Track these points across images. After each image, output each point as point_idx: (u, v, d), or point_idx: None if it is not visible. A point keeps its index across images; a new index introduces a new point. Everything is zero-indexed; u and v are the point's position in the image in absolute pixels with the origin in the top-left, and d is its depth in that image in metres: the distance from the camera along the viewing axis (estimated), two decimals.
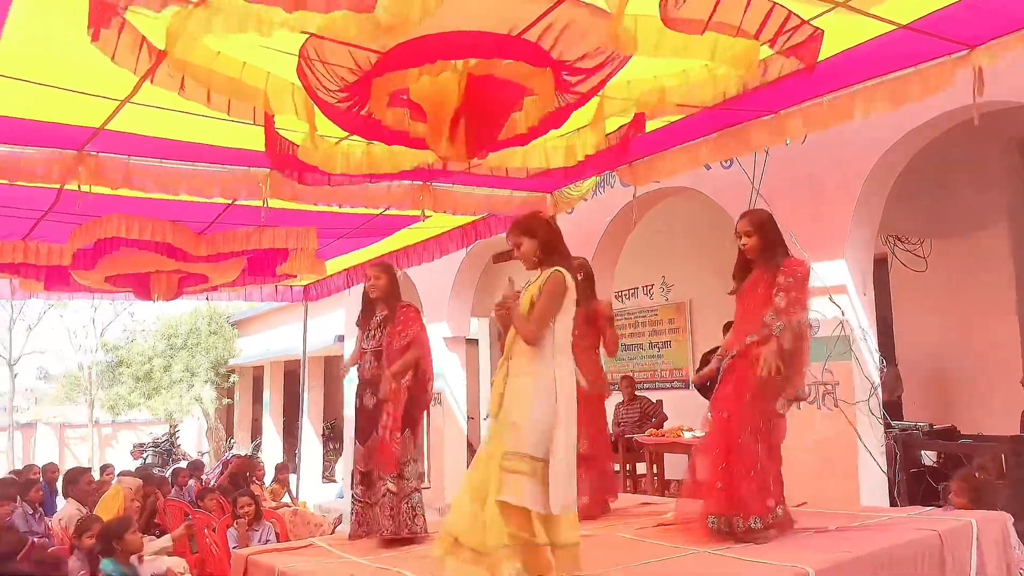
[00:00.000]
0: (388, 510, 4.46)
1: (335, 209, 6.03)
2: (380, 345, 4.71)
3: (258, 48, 3.27)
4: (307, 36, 3.08)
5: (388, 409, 4.53)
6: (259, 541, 6.26)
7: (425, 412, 4.87)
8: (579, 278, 4.75)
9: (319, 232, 6.88)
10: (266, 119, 3.70)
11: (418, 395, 4.68)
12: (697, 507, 4.11)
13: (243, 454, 13.25)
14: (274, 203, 5.51)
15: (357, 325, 4.98)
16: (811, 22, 3.51)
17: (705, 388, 7.97)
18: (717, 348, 4.67)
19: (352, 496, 4.73)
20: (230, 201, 5.76)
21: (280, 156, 4.00)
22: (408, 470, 4.54)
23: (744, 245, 4.16)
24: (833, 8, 3.48)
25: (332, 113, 3.49)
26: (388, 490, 4.49)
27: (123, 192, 5.06)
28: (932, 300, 7.69)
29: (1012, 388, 6.55)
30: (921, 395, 7.67)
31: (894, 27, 3.80)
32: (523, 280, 3.64)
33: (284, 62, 3.42)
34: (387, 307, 4.79)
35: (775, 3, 3.26)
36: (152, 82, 3.31)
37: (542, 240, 3.51)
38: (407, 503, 4.49)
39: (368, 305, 4.90)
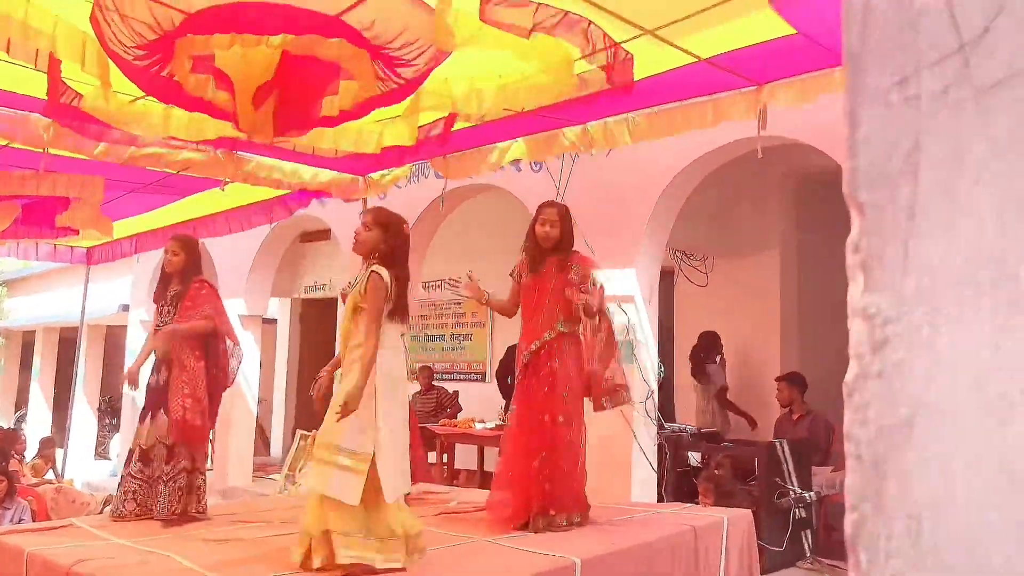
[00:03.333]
0: (178, 488, 4.34)
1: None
2: (173, 322, 4.54)
3: None
4: None
5: (185, 385, 4.38)
6: (11, 521, 5.74)
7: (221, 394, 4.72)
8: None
9: (107, 184, 6.37)
10: (51, 64, 3.38)
11: (213, 375, 4.56)
12: (507, 498, 4.18)
13: (3, 425, 12.09)
14: (56, 150, 5.08)
15: (153, 300, 4.78)
16: (623, 45, 3.71)
17: (505, 383, 8.23)
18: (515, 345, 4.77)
19: (126, 473, 4.47)
20: (5, 142, 5.22)
21: (62, 106, 3.67)
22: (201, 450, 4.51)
23: (548, 233, 4.21)
24: (642, 35, 3.69)
25: (128, 70, 3.25)
26: (183, 468, 4.37)
27: None
28: (711, 313, 8.31)
29: (772, 399, 7.23)
30: (695, 401, 8.27)
31: (695, 59, 4.09)
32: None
33: (80, 6, 3.14)
34: (181, 283, 4.63)
35: (590, 22, 3.41)
36: None
37: (388, 241, 3.47)
38: (199, 482, 4.43)
39: (164, 279, 4.73)
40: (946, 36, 0.49)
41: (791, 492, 5.97)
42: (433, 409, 9.08)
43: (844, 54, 0.52)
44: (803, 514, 6.02)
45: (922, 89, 0.50)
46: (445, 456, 8.51)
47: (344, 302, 3.58)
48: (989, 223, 0.48)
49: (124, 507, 4.39)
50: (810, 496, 6.08)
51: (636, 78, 3.87)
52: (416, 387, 9.15)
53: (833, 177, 6.15)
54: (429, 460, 8.82)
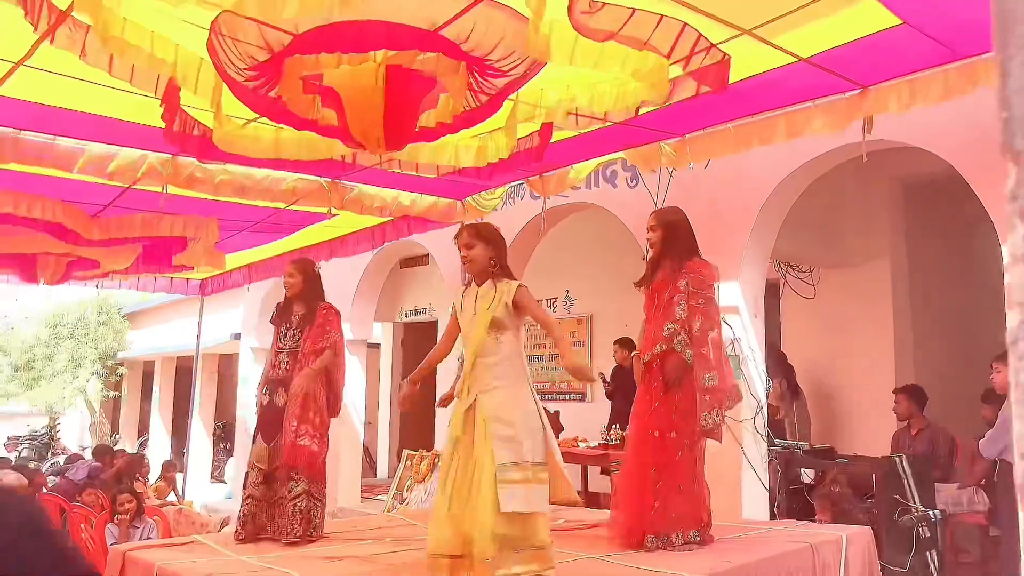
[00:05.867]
0: (299, 511, 4.40)
1: (238, 200, 5.88)
2: (297, 345, 4.62)
3: (169, 18, 3.17)
4: (219, 11, 3.01)
5: (310, 411, 4.49)
6: (140, 538, 6.03)
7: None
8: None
9: (220, 224, 6.70)
10: (170, 90, 3.58)
11: (330, 401, 4.66)
12: (620, 517, 4.14)
13: (127, 450, 12.73)
14: (174, 190, 5.35)
15: (271, 323, 4.84)
16: (718, 47, 3.66)
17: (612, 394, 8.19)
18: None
19: (248, 496, 4.54)
20: (127, 185, 5.55)
21: (179, 133, 3.88)
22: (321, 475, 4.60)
23: (649, 239, 4.20)
24: (739, 35, 3.64)
25: (241, 92, 3.41)
26: (304, 491, 4.43)
27: (11, 166, 4.81)
28: (819, 326, 8.05)
29: (886, 413, 6.93)
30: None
31: (795, 59, 3.97)
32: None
33: (195, 35, 3.32)
34: (305, 306, 4.68)
35: (685, 24, 3.38)
36: (52, 42, 3.15)
37: (498, 251, 3.56)
38: (319, 505, 4.51)
39: (285, 303, 4.78)
40: None
41: (913, 510, 5.69)
42: None
43: (993, 7, 0.51)
44: (927, 533, 5.71)
45: None
46: None
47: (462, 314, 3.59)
48: None
49: (244, 530, 4.47)
50: (934, 515, 5.77)
51: (733, 80, 3.80)
52: None
53: (944, 181, 5.92)
54: None
